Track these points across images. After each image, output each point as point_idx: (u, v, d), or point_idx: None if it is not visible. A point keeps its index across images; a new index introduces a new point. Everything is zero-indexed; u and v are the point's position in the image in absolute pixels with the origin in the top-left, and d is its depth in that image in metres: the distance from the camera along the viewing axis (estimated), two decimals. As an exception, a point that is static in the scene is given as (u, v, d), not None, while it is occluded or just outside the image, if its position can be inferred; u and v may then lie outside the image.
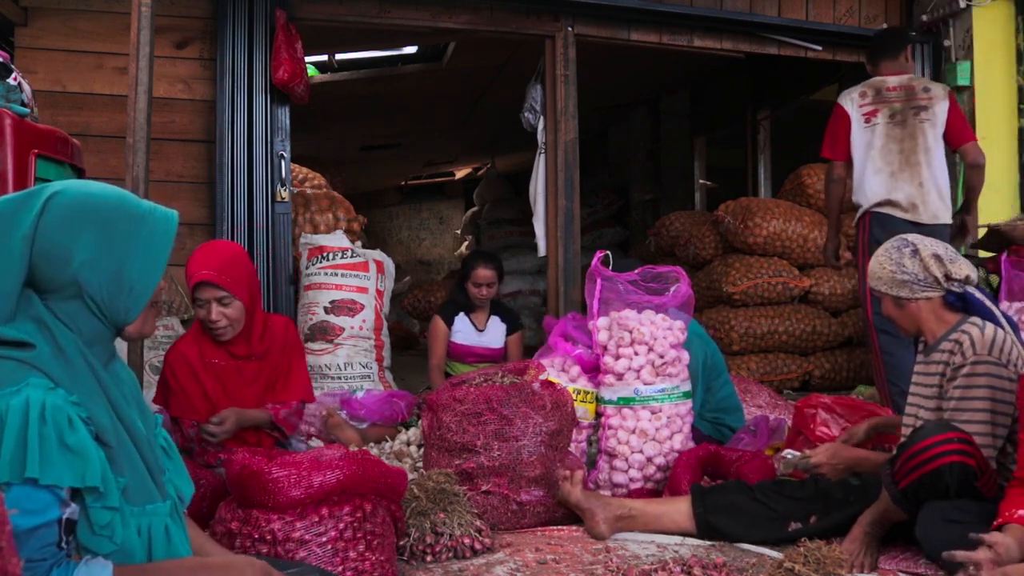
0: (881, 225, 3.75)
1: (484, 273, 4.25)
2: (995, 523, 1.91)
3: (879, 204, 3.79)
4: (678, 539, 2.49)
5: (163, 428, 1.48)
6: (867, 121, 3.83)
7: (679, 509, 2.52)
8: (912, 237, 2.39)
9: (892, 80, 3.85)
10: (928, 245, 2.35)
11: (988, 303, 2.32)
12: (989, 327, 2.28)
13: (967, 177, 3.89)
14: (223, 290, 2.63)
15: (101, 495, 1.24)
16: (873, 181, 3.78)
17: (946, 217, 3.83)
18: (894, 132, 3.79)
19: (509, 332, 4.41)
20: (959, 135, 3.82)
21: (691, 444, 2.95)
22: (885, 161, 3.78)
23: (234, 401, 2.72)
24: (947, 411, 2.24)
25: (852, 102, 3.88)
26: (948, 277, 2.32)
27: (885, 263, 2.37)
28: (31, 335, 1.25)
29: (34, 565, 1.17)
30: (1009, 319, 2.33)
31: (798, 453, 2.42)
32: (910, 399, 2.46)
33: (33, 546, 1.17)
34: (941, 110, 3.79)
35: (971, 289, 2.33)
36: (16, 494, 1.15)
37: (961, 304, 2.36)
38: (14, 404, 1.17)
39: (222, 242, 2.84)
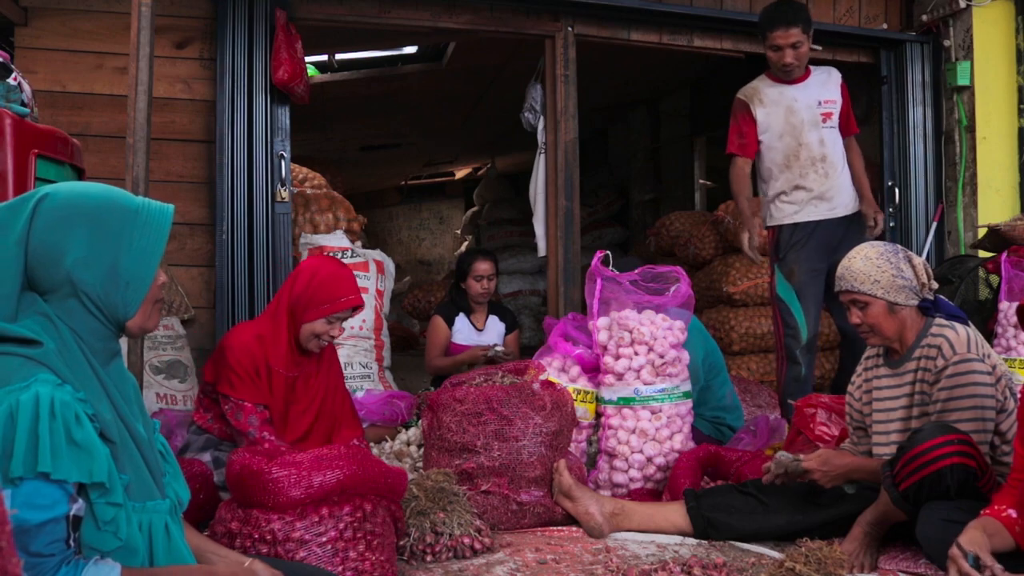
0: None
1: (483, 266, 4.28)
2: (982, 512, 1.94)
3: None
4: (678, 539, 2.50)
5: (160, 434, 1.49)
6: None
7: (673, 508, 2.56)
8: (897, 246, 2.41)
9: None
10: (911, 252, 2.39)
11: (953, 304, 2.41)
12: (959, 327, 2.31)
13: None
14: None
15: (106, 491, 1.25)
16: None
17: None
18: None
19: (507, 331, 4.44)
20: None
21: (691, 444, 2.95)
22: None
23: (288, 413, 2.76)
24: (934, 414, 2.26)
25: None
26: (929, 287, 2.36)
27: (884, 266, 2.32)
28: (37, 333, 1.26)
29: (43, 560, 1.18)
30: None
31: (791, 456, 2.42)
32: (876, 415, 2.47)
33: (42, 541, 1.18)
34: None
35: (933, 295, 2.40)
36: (27, 489, 1.17)
37: (932, 309, 2.39)
38: (24, 399, 1.18)
39: (336, 259, 2.97)
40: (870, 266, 2.32)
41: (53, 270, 1.28)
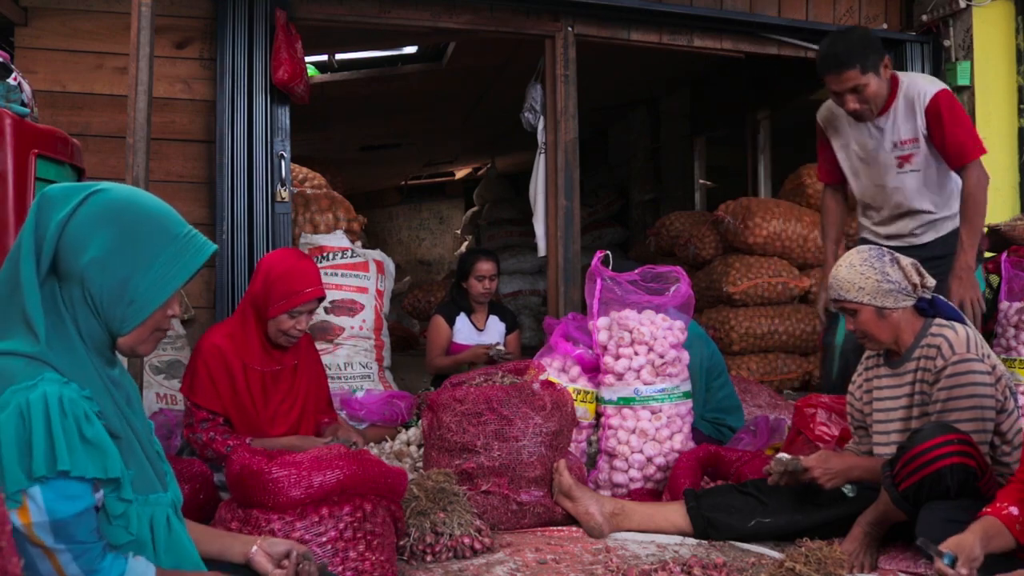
0: None
1: (485, 266, 4.29)
2: (983, 511, 1.92)
3: None
4: (678, 539, 2.50)
5: (156, 435, 1.50)
6: None
7: (673, 508, 2.56)
8: (882, 248, 2.40)
9: None
10: (898, 254, 2.38)
11: (950, 304, 2.40)
12: (958, 326, 2.31)
13: None
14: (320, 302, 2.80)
15: (118, 486, 1.28)
16: None
17: None
18: None
19: (508, 331, 4.46)
20: None
21: (691, 444, 2.95)
22: None
23: (271, 408, 2.77)
24: (934, 414, 2.25)
25: None
26: (923, 285, 2.35)
27: (868, 273, 2.32)
28: (46, 327, 1.27)
29: (88, 547, 1.23)
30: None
31: (790, 457, 2.42)
32: (876, 415, 2.46)
33: (84, 529, 1.23)
34: None
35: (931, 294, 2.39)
36: (57, 484, 1.20)
37: (930, 310, 2.39)
38: (33, 399, 1.20)
39: (295, 251, 2.94)
40: (854, 274, 2.34)
41: (72, 261, 1.29)
